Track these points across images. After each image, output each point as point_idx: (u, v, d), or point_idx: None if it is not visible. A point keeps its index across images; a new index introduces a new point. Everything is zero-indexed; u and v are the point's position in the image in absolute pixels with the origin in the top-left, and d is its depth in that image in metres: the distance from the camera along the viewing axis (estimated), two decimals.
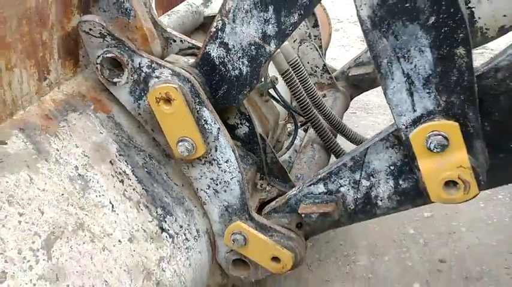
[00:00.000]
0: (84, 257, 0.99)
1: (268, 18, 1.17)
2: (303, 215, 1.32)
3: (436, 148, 1.08)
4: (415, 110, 1.11)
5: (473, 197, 1.14)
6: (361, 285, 1.81)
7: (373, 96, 3.21)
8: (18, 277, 0.87)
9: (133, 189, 1.19)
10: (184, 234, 1.26)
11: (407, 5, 1.01)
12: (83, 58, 1.22)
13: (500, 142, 1.15)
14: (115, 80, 1.21)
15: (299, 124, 1.87)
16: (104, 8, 1.17)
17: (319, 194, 1.32)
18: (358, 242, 2.01)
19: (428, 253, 1.93)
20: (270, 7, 1.16)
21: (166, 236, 1.21)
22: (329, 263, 1.92)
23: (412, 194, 1.24)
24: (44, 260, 0.93)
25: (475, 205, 2.15)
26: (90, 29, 1.14)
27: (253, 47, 1.21)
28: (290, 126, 1.98)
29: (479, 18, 1.84)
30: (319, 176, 1.31)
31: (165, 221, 1.22)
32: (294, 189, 1.36)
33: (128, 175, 1.19)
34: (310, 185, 1.32)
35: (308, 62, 2.07)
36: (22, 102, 1.03)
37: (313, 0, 1.12)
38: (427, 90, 1.08)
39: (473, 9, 1.87)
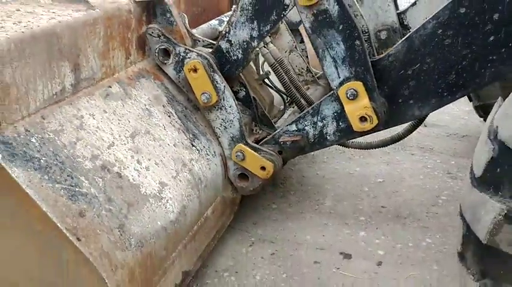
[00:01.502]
0: (149, 146, 1.86)
1: (254, 27, 2.06)
2: (281, 143, 2.15)
3: (351, 97, 1.92)
4: (339, 77, 1.96)
5: (376, 126, 1.94)
6: (324, 216, 2.57)
7: None
8: (119, 146, 1.74)
9: (176, 121, 2.06)
10: (206, 151, 2.11)
11: (328, 20, 1.88)
12: (146, 51, 2.13)
13: (393, 98, 1.97)
14: (165, 61, 2.12)
15: (287, 104, 2.72)
16: (159, 21, 2.09)
17: (293, 131, 2.15)
18: (326, 193, 2.78)
19: (375, 202, 2.68)
20: (255, 21, 2.05)
21: (195, 149, 2.06)
22: (304, 204, 2.68)
23: (346, 130, 2.06)
24: (130, 142, 1.80)
25: (416, 177, 2.92)
26: (153, 32, 2.06)
27: (245, 43, 2.10)
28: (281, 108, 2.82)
29: None
30: (293, 120, 2.15)
31: (194, 141, 2.08)
32: (278, 129, 2.20)
33: (172, 113, 2.07)
34: (287, 125, 2.16)
35: (296, 66, 2.93)
36: (117, 69, 1.94)
37: (277, 18, 2.01)
38: (344, 66, 1.92)
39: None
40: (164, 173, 1.84)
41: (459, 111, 3.82)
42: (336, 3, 1.87)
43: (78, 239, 1.43)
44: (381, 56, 1.96)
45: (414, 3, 2.84)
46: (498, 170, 1.06)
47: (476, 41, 1.75)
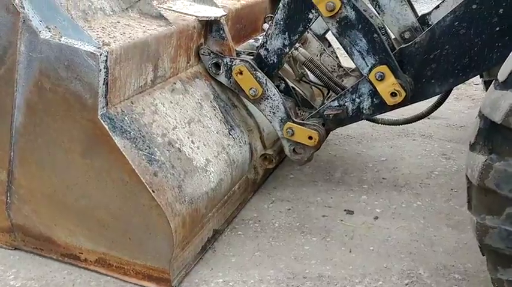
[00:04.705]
0: (200, 131, 2.46)
1: (285, 37, 2.62)
2: (325, 116, 2.68)
3: (379, 78, 2.46)
4: (367, 65, 2.48)
5: (405, 98, 2.47)
6: (333, 184, 3.14)
7: None
8: (180, 129, 2.34)
9: (219, 114, 2.66)
10: (239, 139, 2.71)
11: (349, 23, 2.44)
12: (199, 59, 2.73)
13: (417, 78, 2.50)
14: (217, 73, 2.70)
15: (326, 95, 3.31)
16: (213, 35, 2.69)
17: (335, 106, 2.67)
18: (336, 168, 3.36)
19: (377, 175, 3.26)
20: (286, 33, 2.62)
21: (231, 137, 2.65)
22: (317, 175, 3.26)
23: (379, 106, 2.57)
24: (187, 127, 2.39)
25: (414, 157, 3.51)
26: (204, 52, 2.65)
27: (278, 50, 2.66)
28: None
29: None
30: (335, 97, 2.69)
31: (231, 131, 2.68)
32: (322, 105, 2.75)
33: (216, 108, 2.67)
34: (330, 101, 2.69)
35: (328, 65, 3.46)
36: (180, 70, 2.54)
37: (304, 29, 2.59)
38: (369, 55, 2.45)
39: None
40: (209, 153, 2.44)
41: (460, 107, 4.40)
42: (352, 10, 2.42)
43: (153, 191, 2.04)
44: (408, 43, 2.50)
45: (437, 7, 3.33)
46: None
47: (485, 31, 2.27)
